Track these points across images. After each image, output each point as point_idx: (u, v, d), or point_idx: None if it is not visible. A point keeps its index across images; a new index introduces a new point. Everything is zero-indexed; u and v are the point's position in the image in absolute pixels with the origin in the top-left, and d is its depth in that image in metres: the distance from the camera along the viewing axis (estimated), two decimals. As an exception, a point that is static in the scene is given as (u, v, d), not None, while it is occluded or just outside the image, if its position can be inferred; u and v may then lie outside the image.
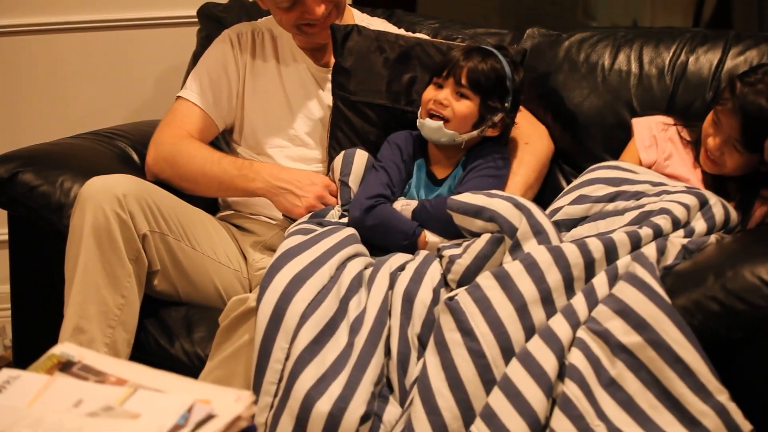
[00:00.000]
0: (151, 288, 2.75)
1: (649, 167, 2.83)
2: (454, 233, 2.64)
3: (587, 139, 3.06)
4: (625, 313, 2.29)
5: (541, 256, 2.39)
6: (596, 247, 2.42)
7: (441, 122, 2.76)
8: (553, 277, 2.37)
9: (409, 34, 3.19)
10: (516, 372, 2.27)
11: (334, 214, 2.81)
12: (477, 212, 2.52)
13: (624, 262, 2.41)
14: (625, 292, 2.32)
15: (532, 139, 2.98)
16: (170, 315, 2.79)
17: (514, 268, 2.38)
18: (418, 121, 2.81)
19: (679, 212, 2.52)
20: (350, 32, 3.00)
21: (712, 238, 2.53)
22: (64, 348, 1.79)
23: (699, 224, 2.55)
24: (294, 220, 2.82)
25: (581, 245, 2.41)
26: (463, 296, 2.37)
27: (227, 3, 3.50)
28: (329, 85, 3.03)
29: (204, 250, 2.80)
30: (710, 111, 2.75)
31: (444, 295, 2.46)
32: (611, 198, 2.63)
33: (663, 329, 2.26)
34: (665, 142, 2.86)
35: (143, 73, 3.81)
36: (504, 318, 2.33)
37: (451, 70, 2.76)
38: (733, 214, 2.61)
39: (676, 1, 6.25)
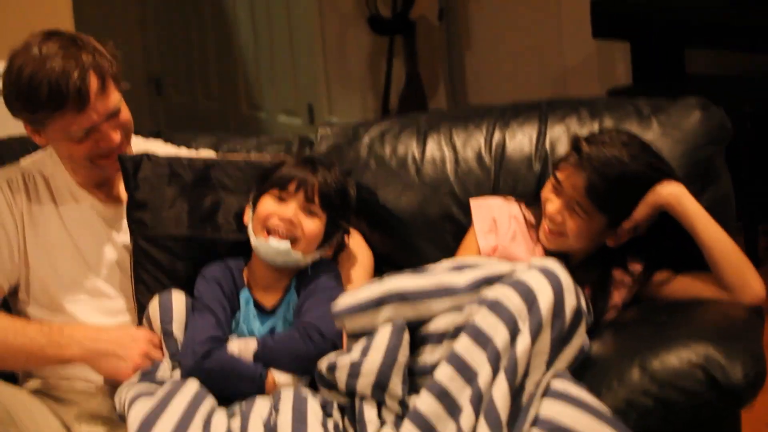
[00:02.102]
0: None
1: (491, 254, 2.73)
2: (304, 368, 2.53)
3: (411, 237, 2.95)
4: None
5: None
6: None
7: (289, 243, 2.60)
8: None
9: (194, 152, 2.98)
10: None
11: (165, 369, 2.62)
12: (379, 301, 2.39)
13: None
14: (554, 409, 2.19)
15: (353, 252, 2.85)
16: None
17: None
18: (255, 239, 2.66)
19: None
20: (140, 161, 2.81)
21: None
22: None
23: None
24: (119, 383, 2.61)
25: None
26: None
27: (-30, 144, 3.15)
28: (123, 224, 2.82)
29: None
30: (548, 180, 2.70)
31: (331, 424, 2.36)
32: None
33: None
34: (508, 220, 2.77)
35: None
36: None
37: (301, 185, 2.63)
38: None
39: (356, 87, 6.29)
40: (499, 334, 2.24)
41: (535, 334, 2.24)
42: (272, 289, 2.69)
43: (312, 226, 2.63)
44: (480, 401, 2.21)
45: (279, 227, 2.62)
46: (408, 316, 2.39)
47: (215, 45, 6.97)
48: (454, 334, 2.31)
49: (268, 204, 2.65)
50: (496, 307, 2.27)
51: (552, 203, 2.65)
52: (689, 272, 2.65)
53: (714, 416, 2.28)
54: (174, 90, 7.42)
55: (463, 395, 2.23)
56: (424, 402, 2.24)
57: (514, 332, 2.24)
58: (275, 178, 2.67)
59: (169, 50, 7.35)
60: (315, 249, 2.66)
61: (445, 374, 2.25)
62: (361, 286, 2.51)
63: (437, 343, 2.35)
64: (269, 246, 2.62)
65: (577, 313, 2.29)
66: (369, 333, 2.40)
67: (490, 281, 2.35)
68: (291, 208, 2.63)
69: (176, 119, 7.31)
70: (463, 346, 2.26)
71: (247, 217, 2.72)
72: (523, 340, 2.23)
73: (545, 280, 2.29)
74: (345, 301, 2.45)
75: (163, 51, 7.39)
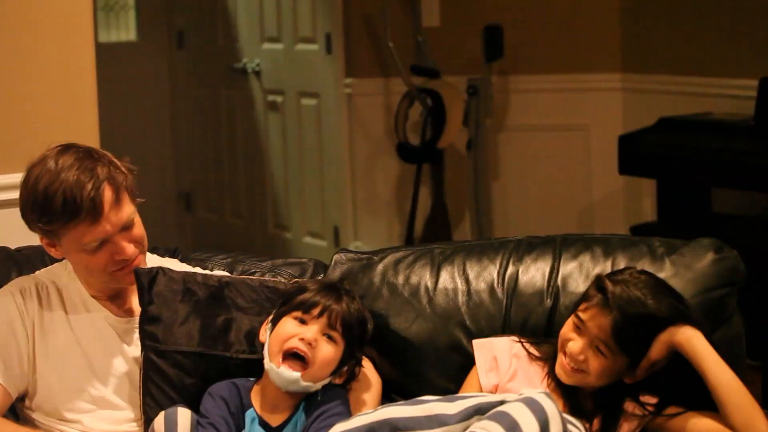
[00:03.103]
0: None
1: (492, 392, 2.77)
2: None
3: (420, 366, 2.98)
4: None
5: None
6: None
7: (299, 374, 2.64)
8: None
9: (208, 272, 3.03)
10: None
11: (168, 486, 2.64)
12: (371, 430, 2.41)
13: None
14: None
15: (363, 378, 2.88)
16: None
17: None
18: (268, 363, 2.70)
19: None
20: (156, 276, 2.88)
21: None
22: None
23: None
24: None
25: None
26: None
27: (-10, 252, 3.22)
28: (134, 337, 2.87)
29: None
30: (569, 319, 2.74)
31: None
32: None
33: None
34: (509, 359, 2.81)
35: None
36: None
37: (325, 311, 2.67)
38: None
39: (382, 212, 6.36)
40: None
41: None
42: (280, 408, 2.71)
43: (329, 351, 2.67)
44: None
45: (299, 348, 2.65)
46: None
47: (246, 163, 7.06)
48: None
49: (289, 325, 2.69)
50: None
51: (575, 343, 2.69)
52: (698, 410, 2.67)
53: None
54: (202, 206, 7.51)
55: None
56: None
57: None
58: (299, 302, 2.71)
59: (199, 166, 7.45)
60: (327, 376, 2.69)
61: None
62: (354, 415, 2.54)
63: None
64: (279, 375, 2.66)
65: None
66: None
67: (480, 411, 2.38)
68: (312, 330, 2.66)
69: (203, 235, 7.39)
70: None
71: (264, 336, 2.75)
72: None
73: (529, 411, 2.33)
74: (338, 429, 2.47)
75: (195, 167, 7.49)
